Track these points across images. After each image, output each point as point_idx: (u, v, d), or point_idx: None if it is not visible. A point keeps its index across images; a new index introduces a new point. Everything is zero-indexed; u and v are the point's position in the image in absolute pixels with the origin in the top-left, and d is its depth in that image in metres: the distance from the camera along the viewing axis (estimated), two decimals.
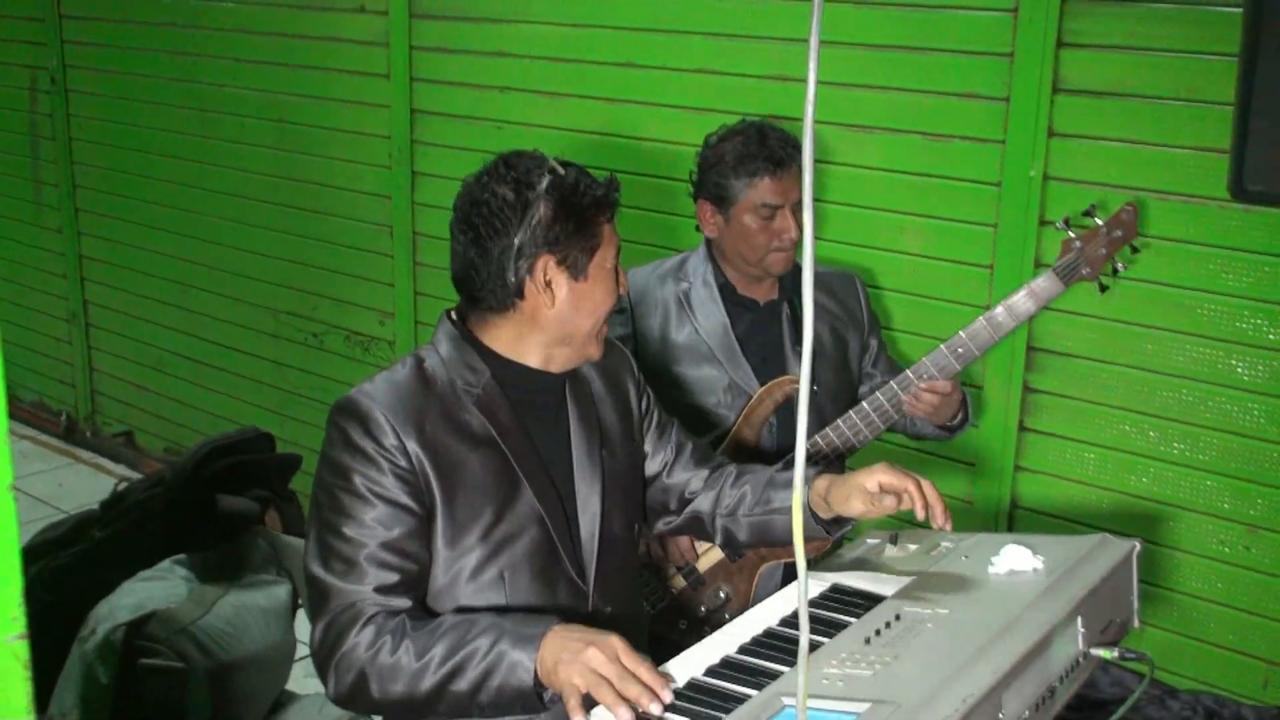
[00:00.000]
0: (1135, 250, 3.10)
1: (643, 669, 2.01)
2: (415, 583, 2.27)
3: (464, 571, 2.30)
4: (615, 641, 2.05)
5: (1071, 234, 3.04)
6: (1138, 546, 2.38)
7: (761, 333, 3.24)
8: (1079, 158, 3.60)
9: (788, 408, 3.18)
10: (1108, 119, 3.54)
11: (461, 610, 2.29)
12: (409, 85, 5.18)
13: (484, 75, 4.94)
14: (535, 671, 2.08)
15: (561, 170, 2.31)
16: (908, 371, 3.06)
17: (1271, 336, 3.39)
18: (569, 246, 2.30)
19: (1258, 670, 3.55)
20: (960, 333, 3.02)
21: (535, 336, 2.37)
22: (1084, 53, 3.55)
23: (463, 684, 2.12)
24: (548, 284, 2.31)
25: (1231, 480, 3.52)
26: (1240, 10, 2.67)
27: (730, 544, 2.73)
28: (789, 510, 2.55)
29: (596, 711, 1.98)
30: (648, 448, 2.67)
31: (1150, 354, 3.58)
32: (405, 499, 2.25)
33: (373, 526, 2.23)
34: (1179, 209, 3.46)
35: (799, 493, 1.18)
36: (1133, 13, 3.46)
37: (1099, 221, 3.04)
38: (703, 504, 2.67)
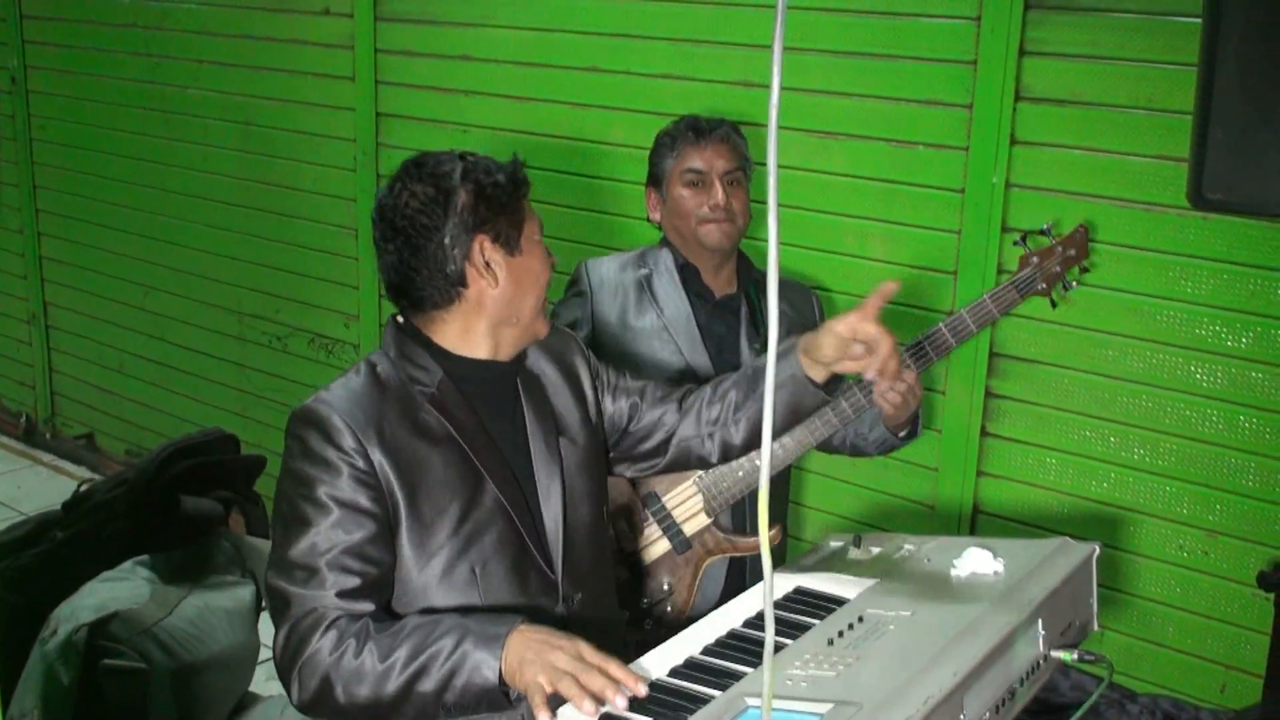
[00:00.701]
0: (1085, 270, 3.18)
1: (610, 664, 2.02)
2: (378, 586, 2.27)
3: (436, 571, 2.30)
4: (580, 643, 2.06)
5: (1028, 250, 3.11)
6: (1097, 550, 2.41)
7: (718, 324, 3.29)
8: (1040, 165, 3.63)
9: None
10: (1069, 127, 3.57)
11: (438, 610, 2.29)
12: (374, 88, 5.18)
13: (449, 79, 4.94)
14: (500, 670, 2.08)
15: (470, 158, 2.37)
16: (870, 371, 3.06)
17: (1230, 343, 3.42)
18: (497, 224, 2.34)
19: (1216, 674, 3.58)
20: (919, 337, 3.05)
21: (482, 324, 2.39)
22: (1046, 61, 3.58)
23: (428, 685, 2.12)
24: (488, 264, 2.34)
25: (1190, 485, 3.55)
26: (1199, 21, 2.70)
27: (726, 453, 2.71)
28: (787, 385, 2.53)
29: (564, 711, 1.99)
30: (609, 407, 2.68)
31: (1110, 360, 3.61)
32: (366, 503, 2.25)
33: (333, 532, 2.23)
34: (1139, 216, 3.49)
35: (764, 486, 1.19)
36: (1094, 22, 3.49)
37: (1054, 239, 3.12)
38: (686, 429, 2.69)
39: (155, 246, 6.31)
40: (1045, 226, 3.14)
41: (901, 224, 3.90)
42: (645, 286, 3.27)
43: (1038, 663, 2.12)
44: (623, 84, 4.45)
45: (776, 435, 2.97)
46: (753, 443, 2.68)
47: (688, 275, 3.28)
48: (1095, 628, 2.39)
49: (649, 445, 2.71)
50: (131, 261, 6.45)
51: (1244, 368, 3.42)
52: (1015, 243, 3.14)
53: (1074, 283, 3.15)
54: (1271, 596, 2.99)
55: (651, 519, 3.19)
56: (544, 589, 2.41)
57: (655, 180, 3.31)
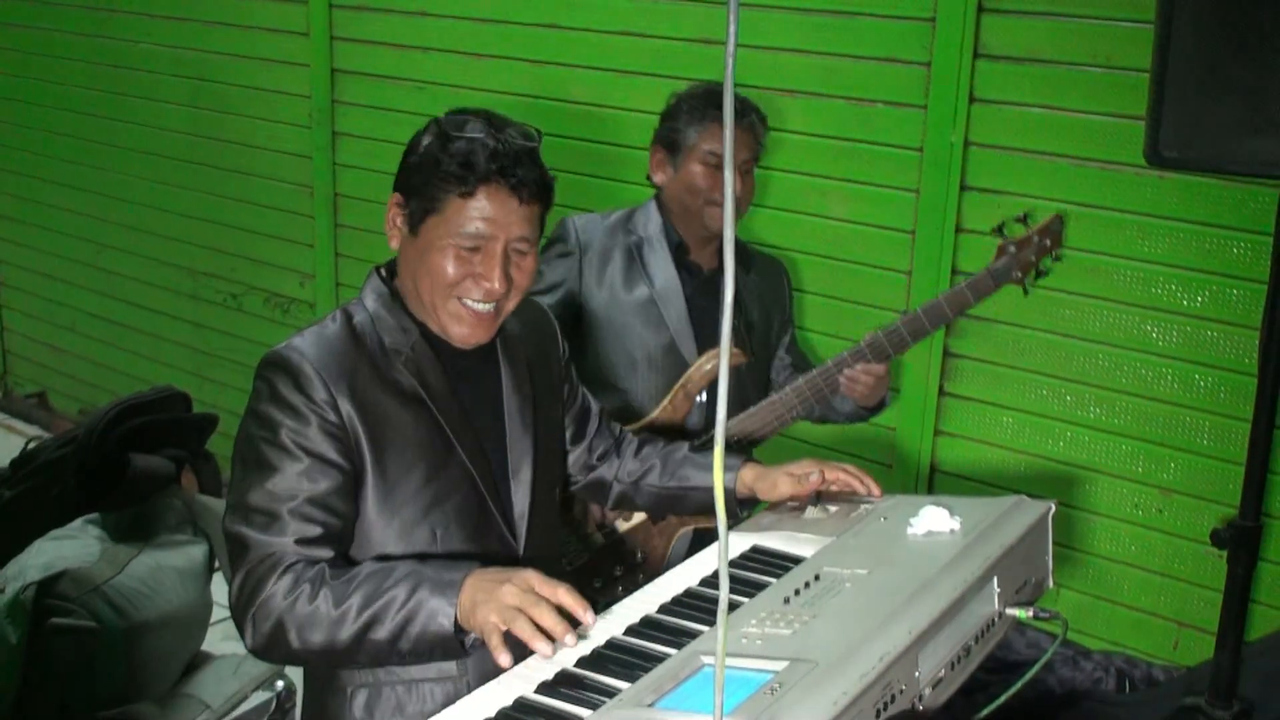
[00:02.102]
0: (1058, 259, 3.18)
1: (560, 591, 2.00)
2: (337, 537, 2.23)
3: (396, 528, 2.28)
4: (530, 574, 2.03)
5: (1005, 239, 3.13)
6: (1053, 507, 2.41)
7: (703, 299, 3.27)
8: (999, 123, 3.62)
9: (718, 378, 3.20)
10: (1028, 85, 3.57)
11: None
12: (329, 44, 5.12)
13: (406, 35, 4.89)
14: (455, 617, 2.06)
15: (457, 128, 2.26)
16: (844, 354, 3.11)
17: (1186, 302, 3.44)
18: (410, 196, 2.27)
19: (1168, 631, 3.61)
20: (898, 321, 3.08)
21: (405, 283, 2.35)
22: (1004, 19, 3.57)
23: (382, 632, 2.09)
24: (394, 222, 2.31)
25: (1145, 444, 3.58)
26: None
27: (622, 507, 2.82)
28: (708, 489, 2.65)
29: (520, 667, 1.97)
30: (565, 414, 2.67)
31: (1068, 319, 3.62)
32: (332, 454, 2.21)
33: (297, 480, 2.19)
34: (1096, 175, 3.50)
35: (719, 449, 1.18)
36: None
37: (1030, 229, 3.13)
38: (605, 471, 2.74)
39: (107, 203, 6.24)
40: (1021, 215, 3.14)
41: (860, 182, 3.90)
42: (636, 255, 3.23)
43: (993, 620, 2.12)
44: (581, 40, 4.41)
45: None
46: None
47: (680, 251, 3.24)
48: (1050, 585, 2.40)
49: (575, 467, 2.73)
50: (83, 218, 6.38)
51: (1199, 326, 3.43)
52: (992, 232, 3.14)
53: (1046, 271, 3.17)
54: (1224, 554, 3.01)
55: None
56: (504, 560, 2.34)
57: (670, 145, 3.20)
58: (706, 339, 3.23)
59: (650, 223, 3.26)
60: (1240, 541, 2.98)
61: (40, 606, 3.08)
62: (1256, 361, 2.94)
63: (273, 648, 2.17)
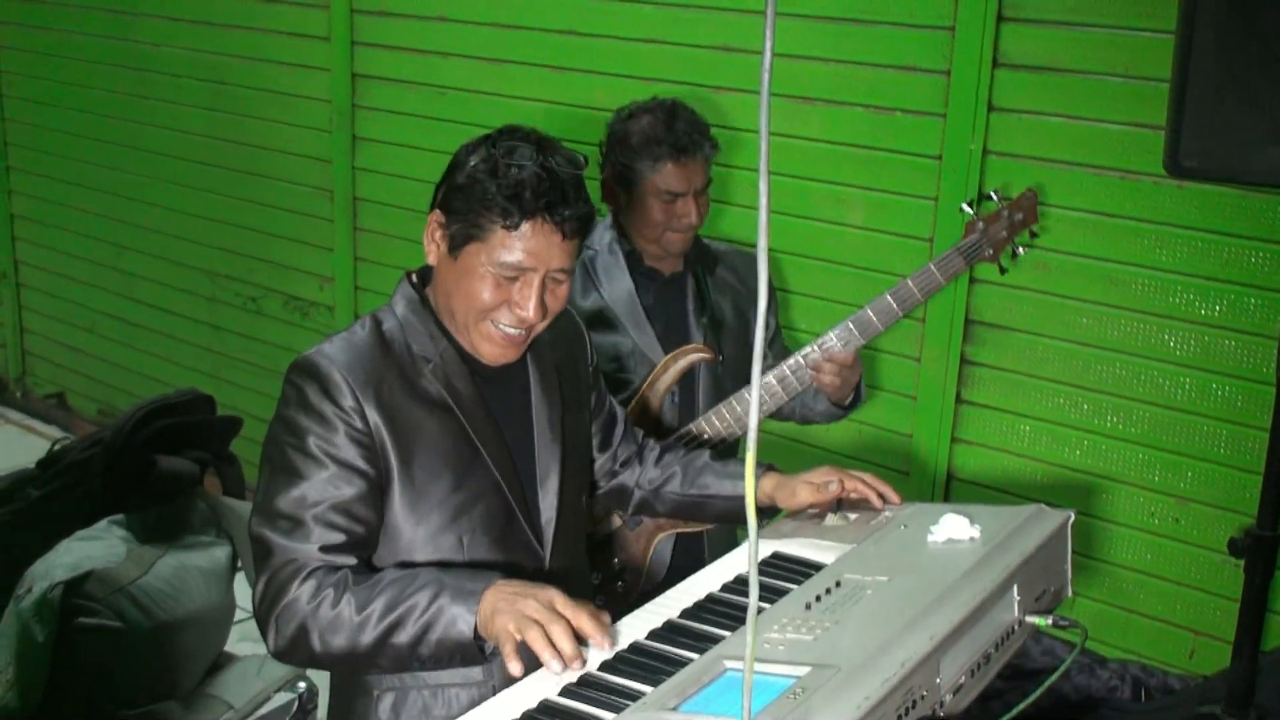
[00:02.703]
0: (1034, 235, 3.15)
1: (582, 615, 2.02)
2: (361, 544, 2.26)
3: (424, 534, 2.30)
4: (554, 592, 2.05)
5: (975, 215, 3.09)
6: (1072, 516, 2.42)
7: (666, 303, 3.25)
8: (1018, 132, 3.63)
9: (690, 376, 3.21)
10: (1046, 94, 3.58)
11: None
12: (350, 49, 5.14)
13: (426, 40, 4.91)
14: (475, 625, 2.08)
15: (508, 154, 2.21)
16: (811, 345, 3.09)
17: (1203, 311, 3.44)
18: (453, 217, 2.23)
19: (1184, 640, 3.62)
20: (866, 307, 3.05)
21: (439, 298, 2.34)
22: (1024, 27, 3.58)
23: (403, 637, 2.12)
24: (433, 237, 2.28)
25: (1162, 453, 3.58)
26: None
27: (643, 513, 2.87)
28: (728, 497, 2.69)
29: (534, 676, 1.99)
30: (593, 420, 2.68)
31: (1085, 328, 3.63)
32: (359, 461, 2.23)
33: (323, 487, 2.21)
34: (1115, 184, 3.51)
35: (751, 455, 1.20)
36: None
37: (1001, 204, 3.09)
38: (627, 477, 2.75)
39: (126, 205, 6.27)
40: (992, 191, 3.13)
41: (879, 190, 3.91)
42: (589, 267, 3.20)
43: (1013, 628, 2.13)
44: (603, 48, 4.43)
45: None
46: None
47: (633, 259, 3.21)
48: (1069, 594, 2.41)
49: (600, 471, 2.74)
50: (103, 220, 6.42)
51: (1217, 335, 3.44)
52: (962, 208, 3.12)
53: (1022, 248, 3.14)
54: (1241, 563, 3.02)
55: None
56: (530, 567, 2.39)
57: (622, 180, 3.14)
58: (674, 342, 3.20)
59: (604, 237, 3.22)
60: (1257, 551, 2.98)
61: (67, 606, 3.10)
62: (1274, 370, 2.94)
63: (295, 650, 2.20)
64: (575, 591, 2.12)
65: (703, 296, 3.26)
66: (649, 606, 2.22)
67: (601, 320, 3.19)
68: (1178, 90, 2.72)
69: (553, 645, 1.97)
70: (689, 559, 3.15)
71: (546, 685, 1.94)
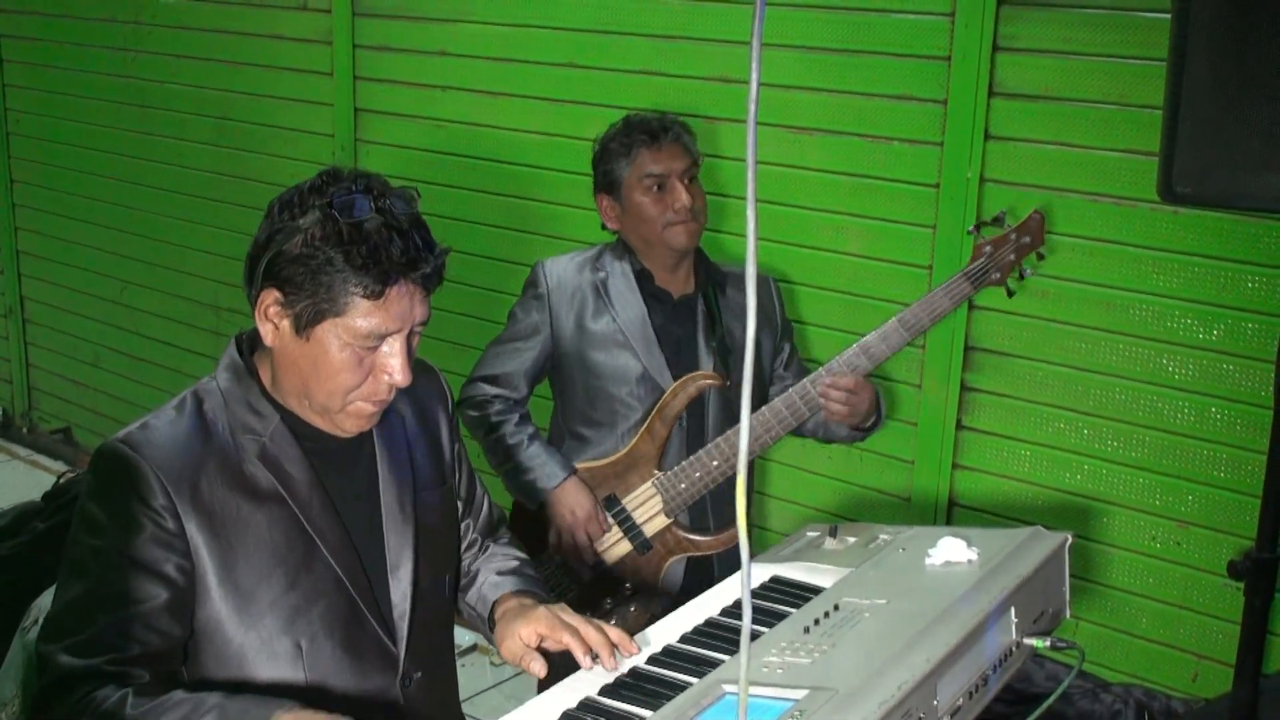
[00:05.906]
0: (1041, 257, 3.18)
1: None
2: (158, 658, 2.00)
3: (255, 641, 2.06)
4: None
5: (982, 239, 3.11)
6: (1069, 538, 2.43)
7: (676, 326, 3.29)
8: (1014, 160, 3.66)
9: (700, 402, 3.23)
10: (1042, 122, 3.60)
11: (257, 684, 2.06)
12: (352, 83, 5.18)
13: (426, 74, 4.94)
14: None
15: (343, 208, 1.98)
16: (820, 369, 3.11)
17: (1201, 336, 3.46)
18: (294, 294, 2.00)
19: (1187, 664, 3.62)
20: (872, 333, 3.08)
21: (282, 379, 2.10)
22: (1019, 57, 3.61)
23: None
24: (267, 316, 2.05)
25: (1162, 477, 3.59)
26: (1169, 16, 2.73)
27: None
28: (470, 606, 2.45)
29: None
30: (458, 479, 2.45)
31: (1083, 353, 3.64)
32: (163, 567, 1.99)
33: (117, 594, 1.97)
34: (1110, 211, 3.53)
35: (741, 478, 1.20)
36: (1066, 18, 3.52)
37: (1008, 227, 3.12)
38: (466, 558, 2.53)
39: (131, 241, 6.31)
40: (999, 214, 3.15)
41: (876, 219, 3.93)
42: (602, 290, 3.25)
43: (1010, 650, 2.14)
44: (599, 80, 4.46)
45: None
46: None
47: (643, 279, 3.26)
48: (1067, 615, 2.42)
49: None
50: (108, 256, 6.45)
51: (1215, 360, 3.45)
52: (969, 231, 3.14)
53: (1030, 270, 3.16)
54: (1242, 586, 3.02)
55: (612, 521, 3.21)
56: (383, 666, 2.18)
57: (609, 188, 3.24)
58: (684, 365, 3.24)
59: (614, 259, 3.28)
60: (1258, 573, 2.99)
61: None
62: (1272, 394, 2.95)
63: None
64: (431, 695, 2.03)
65: (713, 320, 3.29)
66: (647, 630, 2.23)
67: (613, 342, 3.21)
68: (1170, 117, 2.74)
69: None
70: (699, 579, 3.17)
71: (547, 712, 1.95)
